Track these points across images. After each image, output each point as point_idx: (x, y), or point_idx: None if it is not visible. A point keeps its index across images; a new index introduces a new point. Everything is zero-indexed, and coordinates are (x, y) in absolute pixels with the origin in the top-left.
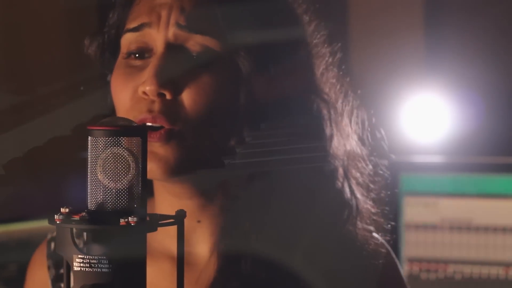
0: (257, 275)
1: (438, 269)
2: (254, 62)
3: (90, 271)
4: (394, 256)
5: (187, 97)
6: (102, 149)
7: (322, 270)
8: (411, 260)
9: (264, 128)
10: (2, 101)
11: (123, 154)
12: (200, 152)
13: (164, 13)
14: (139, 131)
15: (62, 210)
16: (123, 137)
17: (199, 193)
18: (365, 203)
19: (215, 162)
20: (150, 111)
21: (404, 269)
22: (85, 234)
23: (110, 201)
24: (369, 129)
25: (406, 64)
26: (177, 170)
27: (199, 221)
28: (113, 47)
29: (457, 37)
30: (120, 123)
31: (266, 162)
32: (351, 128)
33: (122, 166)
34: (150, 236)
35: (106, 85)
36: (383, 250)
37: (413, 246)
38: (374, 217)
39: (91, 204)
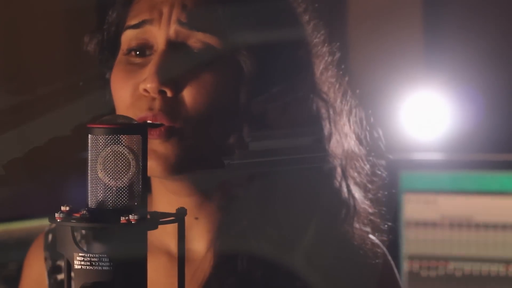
0: (253, 273)
1: (438, 266)
2: (255, 61)
3: (90, 269)
4: (389, 257)
5: (188, 95)
6: (102, 147)
7: (318, 269)
8: (411, 258)
9: (263, 127)
10: (2, 101)
11: (124, 152)
12: (200, 150)
13: (165, 10)
14: (139, 129)
15: (63, 208)
16: (123, 135)
17: (197, 191)
18: (363, 203)
19: (215, 162)
20: (150, 109)
21: (405, 267)
22: (83, 231)
23: (110, 199)
24: (368, 128)
25: (405, 62)
26: (177, 168)
27: (196, 218)
28: (113, 45)
29: (456, 34)
30: (120, 121)
31: (264, 162)
32: (350, 128)
33: (122, 164)
34: (149, 231)
35: (106, 84)
36: (380, 251)
37: (413, 243)
38: (371, 217)
39: (91, 202)
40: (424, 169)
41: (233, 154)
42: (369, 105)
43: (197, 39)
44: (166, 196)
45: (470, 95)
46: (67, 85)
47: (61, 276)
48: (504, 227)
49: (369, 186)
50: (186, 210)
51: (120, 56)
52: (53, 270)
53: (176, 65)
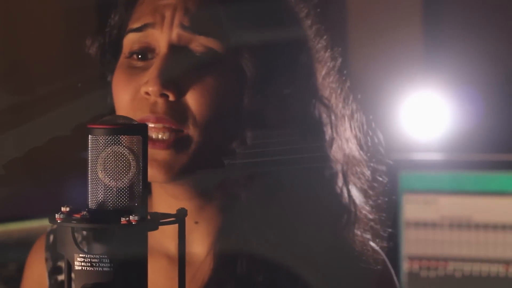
0: (253, 276)
1: (438, 267)
2: (258, 65)
3: (91, 270)
4: (389, 265)
5: (191, 98)
6: (102, 148)
7: (318, 274)
8: (411, 258)
9: (265, 131)
10: (2, 101)
11: (124, 153)
12: (203, 155)
13: (168, 14)
14: (139, 130)
15: (63, 209)
16: (124, 135)
17: (197, 195)
18: (363, 209)
19: (215, 162)
20: (152, 111)
21: (404, 267)
22: (84, 232)
23: (110, 200)
24: (369, 132)
25: (405, 62)
26: (180, 175)
27: (196, 222)
28: (115, 47)
29: (456, 34)
30: (120, 122)
31: (265, 164)
32: (351, 133)
33: (122, 164)
34: (149, 233)
35: (106, 85)
36: (379, 257)
37: (413, 243)
38: (372, 223)
39: (91, 203)
40: (424, 169)
41: (233, 154)
42: (369, 108)
43: (199, 43)
44: (166, 200)
45: (470, 95)
46: (67, 85)
47: (61, 277)
48: (504, 227)
49: (370, 192)
50: (186, 210)
51: (122, 59)
52: (53, 271)
53: (178, 69)
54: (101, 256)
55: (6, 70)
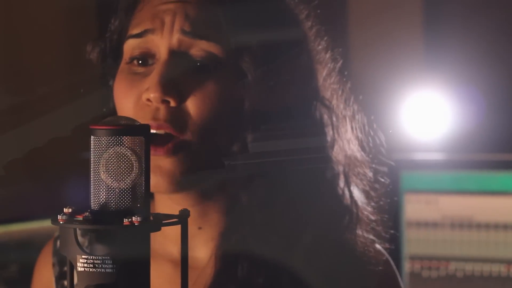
0: (255, 280)
1: (439, 267)
2: (259, 68)
3: (94, 271)
4: (393, 265)
5: (192, 104)
6: (105, 149)
7: (320, 276)
8: (413, 258)
9: (266, 132)
10: (2, 101)
11: (126, 154)
12: (204, 160)
13: (168, 19)
14: (142, 130)
15: (65, 210)
16: (126, 136)
17: (201, 201)
18: (365, 210)
19: (215, 163)
20: (154, 118)
21: (406, 267)
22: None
23: (113, 200)
24: (371, 132)
25: (406, 62)
26: (182, 184)
27: (200, 228)
28: (115, 53)
29: (456, 34)
30: (122, 122)
31: (267, 166)
32: (352, 134)
33: (125, 165)
34: (151, 238)
35: (107, 87)
36: (382, 258)
37: (414, 243)
38: (373, 225)
39: (94, 204)
40: (425, 169)
41: (234, 155)
42: (371, 109)
43: (200, 48)
44: (169, 207)
45: (470, 95)
46: (67, 85)
47: None
48: (505, 227)
49: (372, 193)
50: (189, 211)
51: (123, 65)
52: (60, 276)
53: (179, 74)
54: (103, 257)
55: (7, 71)
